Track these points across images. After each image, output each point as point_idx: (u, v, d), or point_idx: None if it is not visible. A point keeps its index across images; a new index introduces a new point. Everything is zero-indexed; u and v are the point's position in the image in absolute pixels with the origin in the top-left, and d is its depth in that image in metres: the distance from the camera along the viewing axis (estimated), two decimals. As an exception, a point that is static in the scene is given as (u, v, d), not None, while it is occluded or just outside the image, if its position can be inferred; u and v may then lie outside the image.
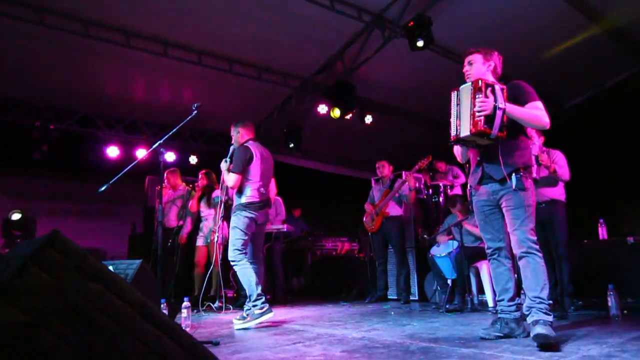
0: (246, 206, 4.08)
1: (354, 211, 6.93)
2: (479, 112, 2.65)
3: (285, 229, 6.73)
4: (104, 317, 1.21)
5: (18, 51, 6.22)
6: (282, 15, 6.12)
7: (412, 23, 5.95)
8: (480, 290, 4.92)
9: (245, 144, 4.29)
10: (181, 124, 3.86)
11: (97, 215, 10.94)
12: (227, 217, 5.22)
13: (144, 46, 6.37)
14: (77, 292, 1.20)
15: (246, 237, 4.04)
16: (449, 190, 6.82)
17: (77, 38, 5.92)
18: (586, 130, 7.78)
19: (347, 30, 6.65)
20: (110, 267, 3.62)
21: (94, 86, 7.38)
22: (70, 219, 10.72)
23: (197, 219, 6.30)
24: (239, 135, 4.39)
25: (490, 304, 4.61)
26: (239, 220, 4.06)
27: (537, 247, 2.66)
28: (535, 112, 2.71)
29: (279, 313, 4.97)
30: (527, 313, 2.60)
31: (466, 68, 2.97)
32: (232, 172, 4.11)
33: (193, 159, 9.41)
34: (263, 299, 3.89)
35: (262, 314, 3.83)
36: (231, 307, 5.37)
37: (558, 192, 4.33)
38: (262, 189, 4.17)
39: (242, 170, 4.12)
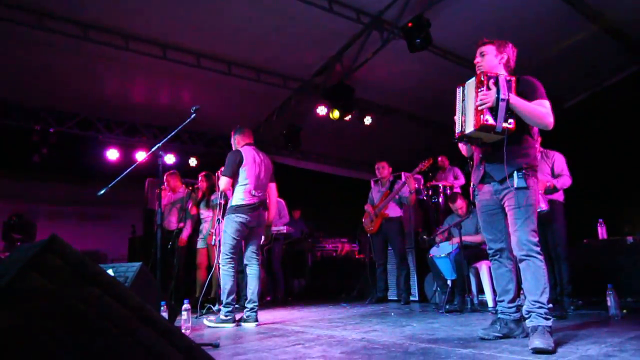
0: (236, 209, 4.19)
1: (354, 212, 6.94)
2: (481, 105, 2.58)
3: (285, 231, 6.74)
4: (102, 320, 1.21)
5: (17, 54, 6.23)
6: (281, 17, 6.14)
7: (410, 24, 5.97)
8: (480, 291, 4.93)
9: (237, 149, 4.41)
10: (179, 127, 3.88)
11: (97, 218, 10.96)
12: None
13: (143, 49, 6.38)
14: (75, 296, 1.21)
15: (235, 242, 4.16)
16: (448, 191, 6.83)
17: (76, 41, 5.94)
18: (585, 129, 7.79)
19: (346, 32, 6.67)
20: (110, 270, 3.63)
21: (93, 89, 7.38)
22: (70, 222, 10.74)
23: (197, 221, 6.31)
24: (235, 142, 4.55)
25: (490, 304, 4.62)
26: (228, 224, 4.20)
27: (538, 249, 2.59)
28: (540, 109, 2.62)
29: (279, 314, 4.98)
30: (526, 317, 2.56)
31: (478, 59, 2.87)
32: (223, 175, 4.27)
33: (193, 161, 9.42)
34: (231, 309, 4.11)
35: (223, 322, 4.07)
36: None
37: (557, 194, 4.33)
38: (253, 191, 4.25)
39: (232, 173, 4.25)
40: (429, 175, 7.23)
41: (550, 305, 2.63)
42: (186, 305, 3.73)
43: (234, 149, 4.50)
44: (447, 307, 4.51)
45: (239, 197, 4.23)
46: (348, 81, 7.57)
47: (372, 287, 6.24)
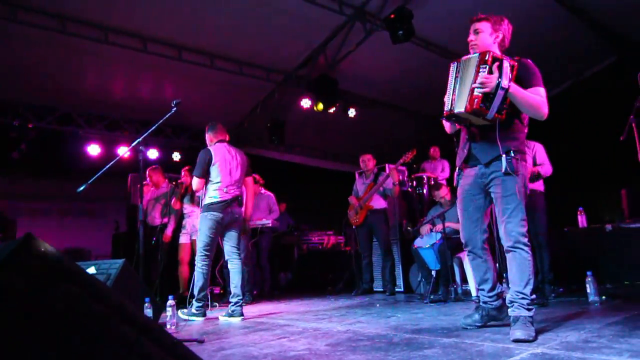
0: (209, 207, 4.24)
1: (339, 205, 6.96)
2: (479, 88, 2.43)
3: (270, 224, 6.72)
4: (80, 320, 1.20)
5: (-8, 49, 6.09)
6: (263, 9, 6.08)
7: (392, 16, 5.97)
8: (464, 280, 4.99)
9: (207, 147, 4.42)
10: (160, 121, 3.84)
11: (79, 214, 10.82)
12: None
13: (123, 42, 6.28)
14: (52, 295, 1.19)
15: (209, 240, 4.21)
16: (432, 182, 6.87)
17: (54, 34, 5.82)
18: (565, 120, 7.89)
19: (329, 24, 6.65)
20: (93, 268, 3.59)
21: (73, 83, 7.25)
22: (52, 219, 10.60)
23: (181, 217, 6.26)
24: (208, 139, 4.56)
25: (474, 293, 4.66)
26: (202, 222, 4.25)
27: (526, 240, 2.54)
28: (537, 98, 2.50)
29: (266, 308, 4.98)
30: (509, 306, 2.56)
31: (471, 37, 2.70)
32: (194, 175, 4.31)
33: (176, 156, 9.32)
34: (202, 304, 4.23)
35: (194, 315, 4.21)
36: (217, 304, 5.36)
37: (537, 183, 4.42)
38: (225, 189, 4.28)
39: (202, 173, 4.27)
40: (413, 167, 7.27)
41: (534, 296, 2.60)
42: (171, 302, 3.71)
43: (207, 146, 4.51)
44: (432, 297, 4.56)
45: (211, 194, 4.27)
46: (332, 73, 7.55)
47: (358, 279, 6.27)
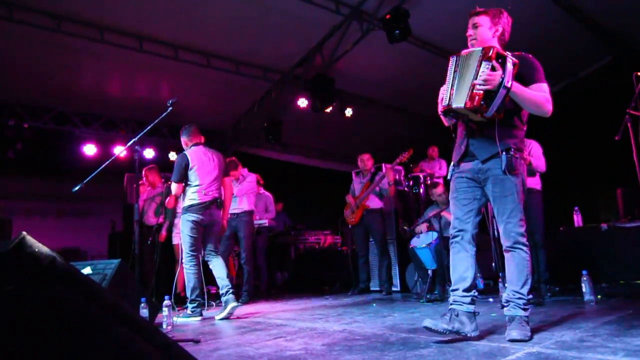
0: (188, 209, 4.35)
1: (336, 204, 6.96)
2: (482, 84, 2.34)
3: (267, 224, 6.72)
4: (74, 320, 1.19)
5: (-14, 48, 6.06)
6: (260, 9, 6.08)
7: (389, 16, 5.97)
8: (460, 280, 4.99)
9: (184, 152, 4.51)
10: (155, 121, 3.83)
11: (75, 214, 10.78)
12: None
13: (119, 41, 6.27)
14: (45, 296, 1.18)
15: (193, 240, 4.31)
16: (429, 181, 6.88)
17: (49, 33, 5.79)
18: (561, 119, 7.89)
19: (326, 23, 6.65)
20: (89, 268, 3.58)
21: (68, 83, 7.23)
22: (48, 219, 10.55)
23: (174, 216, 6.24)
24: (183, 143, 4.65)
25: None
26: (183, 224, 4.36)
27: (525, 239, 2.49)
28: (540, 95, 2.43)
29: (262, 308, 4.98)
30: (505, 305, 2.53)
31: (470, 31, 2.62)
32: (172, 181, 4.42)
33: (172, 155, 9.26)
34: (197, 304, 4.31)
35: (190, 316, 4.27)
36: (213, 304, 5.35)
37: (534, 182, 4.40)
38: (204, 191, 4.39)
39: (180, 178, 4.38)
40: (410, 166, 7.28)
41: (530, 296, 2.53)
42: (167, 302, 3.70)
43: (184, 148, 4.60)
44: (428, 296, 4.56)
45: (190, 197, 4.38)
46: (329, 73, 7.55)
47: (355, 279, 6.28)
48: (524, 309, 2.46)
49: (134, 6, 5.82)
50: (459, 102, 2.42)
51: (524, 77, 2.46)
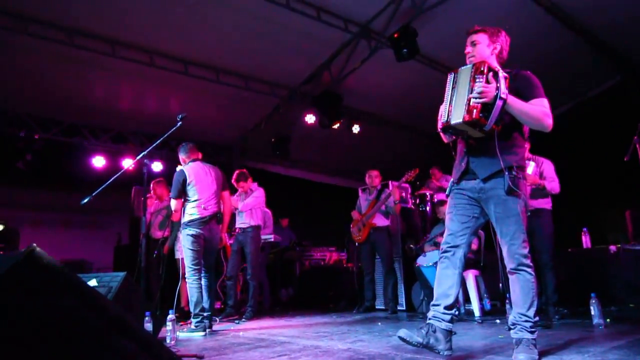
0: (188, 223, 4.41)
1: (343, 221, 6.94)
2: (477, 98, 2.35)
3: (272, 239, 6.71)
4: (80, 333, 1.19)
5: (1, 60, 6.16)
6: (269, 26, 6.15)
7: (397, 34, 6.02)
8: (467, 300, 4.93)
9: (181, 169, 4.58)
10: (165, 135, 3.86)
11: (82, 226, 10.82)
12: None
13: (130, 56, 6.36)
14: (52, 308, 1.18)
15: (195, 254, 4.36)
16: (435, 199, 6.85)
17: (63, 47, 5.89)
18: (569, 139, 7.89)
19: (334, 41, 6.71)
20: (94, 280, 3.58)
21: (79, 96, 7.33)
22: (55, 230, 10.59)
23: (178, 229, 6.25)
24: (181, 160, 4.76)
25: (477, 313, 4.63)
26: (183, 239, 4.42)
27: (529, 261, 2.45)
28: (538, 109, 2.41)
29: (266, 324, 4.94)
30: (511, 328, 2.49)
31: (468, 49, 2.64)
32: (171, 198, 4.47)
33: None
34: (200, 319, 4.29)
35: (194, 331, 4.25)
36: (217, 319, 5.32)
37: (545, 201, 4.32)
38: (203, 205, 4.44)
39: (178, 194, 4.44)
40: (416, 184, 7.25)
41: (537, 318, 2.48)
42: (171, 316, 3.68)
43: (182, 166, 4.67)
44: (434, 316, 4.50)
45: (190, 212, 4.43)
46: (336, 89, 7.60)
47: (360, 297, 6.22)
48: (531, 332, 2.42)
49: (146, 22, 5.92)
50: (457, 118, 2.42)
51: (523, 93, 2.46)
